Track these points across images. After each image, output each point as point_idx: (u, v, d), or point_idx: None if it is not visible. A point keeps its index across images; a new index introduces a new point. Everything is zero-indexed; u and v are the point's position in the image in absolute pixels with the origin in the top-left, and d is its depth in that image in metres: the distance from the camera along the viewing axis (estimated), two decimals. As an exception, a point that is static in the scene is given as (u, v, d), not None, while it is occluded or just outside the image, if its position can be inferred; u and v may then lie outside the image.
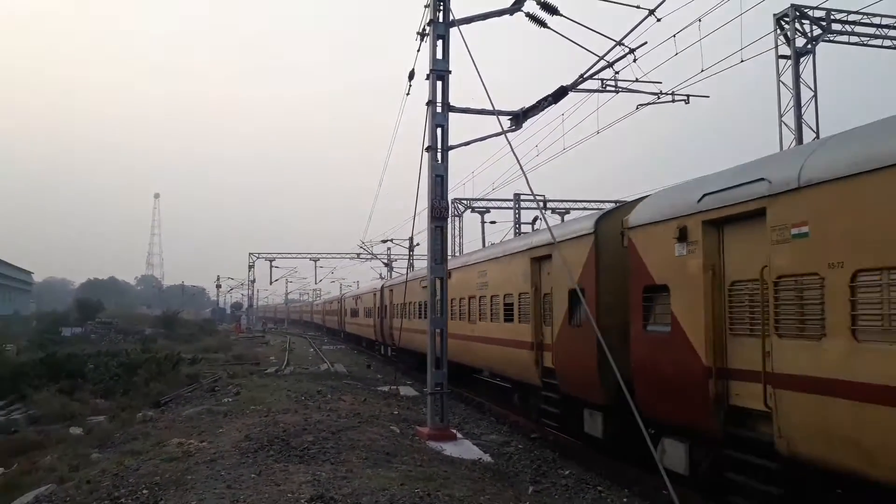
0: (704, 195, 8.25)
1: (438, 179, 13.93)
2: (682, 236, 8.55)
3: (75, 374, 21.82)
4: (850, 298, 6.08)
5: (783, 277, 6.96)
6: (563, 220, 35.30)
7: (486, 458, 11.52)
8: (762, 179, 7.30)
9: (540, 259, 13.65)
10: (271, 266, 74.71)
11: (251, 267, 74.64)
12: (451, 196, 21.68)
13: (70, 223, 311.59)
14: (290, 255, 75.21)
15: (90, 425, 16.41)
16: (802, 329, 6.69)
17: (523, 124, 14.94)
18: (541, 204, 35.62)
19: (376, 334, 36.17)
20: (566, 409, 12.52)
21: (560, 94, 14.89)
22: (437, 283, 14.00)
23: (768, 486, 7.21)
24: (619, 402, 9.42)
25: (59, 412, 17.79)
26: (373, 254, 60.52)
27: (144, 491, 8.34)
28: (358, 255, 66.83)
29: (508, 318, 15.23)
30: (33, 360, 23.48)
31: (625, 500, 9.54)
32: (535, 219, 35.63)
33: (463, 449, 12.03)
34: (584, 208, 40.08)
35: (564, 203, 41.75)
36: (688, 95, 20.42)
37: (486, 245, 32.99)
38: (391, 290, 31.79)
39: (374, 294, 36.90)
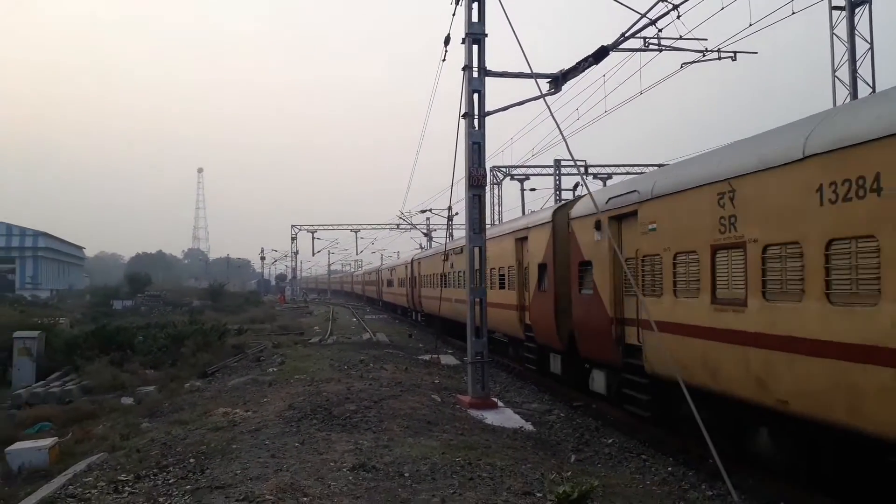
0: (609, 198, 11.76)
1: (475, 147, 13.68)
2: (598, 227, 11.94)
3: (125, 346, 22.46)
4: (673, 270, 9.61)
5: (646, 256, 10.52)
6: (604, 185, 34.63)
7: (528, 426, 11.45)
8: (635, 191, 10.87)
9: (522, 240, 16.73)
10: (313, 238, 75.49)
11: (294, 239, 75.62)
12: (489, 164, 21.66)
13: (119, 199, 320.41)
14: (331, 227, 75.83)
15: (140, 395, 16.88)
16: (654, 290, 10.22)
17: (563, 87, 14.53)
18: (582, 169, 34.92)
19: (408, 302, 40.68)
20: (540, 355, 16.02)
21: (601, 54, 14.36)
22: (476, 252, 13.85)
23: (642, 395, 10.70)
24: (570, 348, 13.67)
25: (110, 383, 18.34)
26: (412, 224, 60.62)
27: (191, 460, 8.50)
28: (398, 225, 67.03)
29: (502, 286, 18.51)
30: (85, 333, 24.23)
31: (669, 468, 9.36)
32: (577, 185, 35.04)
33: (504, 417, 11.98)
34: (627, 173, 39.15)
35: (606, 168, 40.87)
36: (735, 52, 19.42)
37: (527, 213, 33.02)
38: (419, 263, 35.60)
39: (406, 266, 40.94)
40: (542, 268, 15.01)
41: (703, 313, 8.78)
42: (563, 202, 16.05)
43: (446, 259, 26.19)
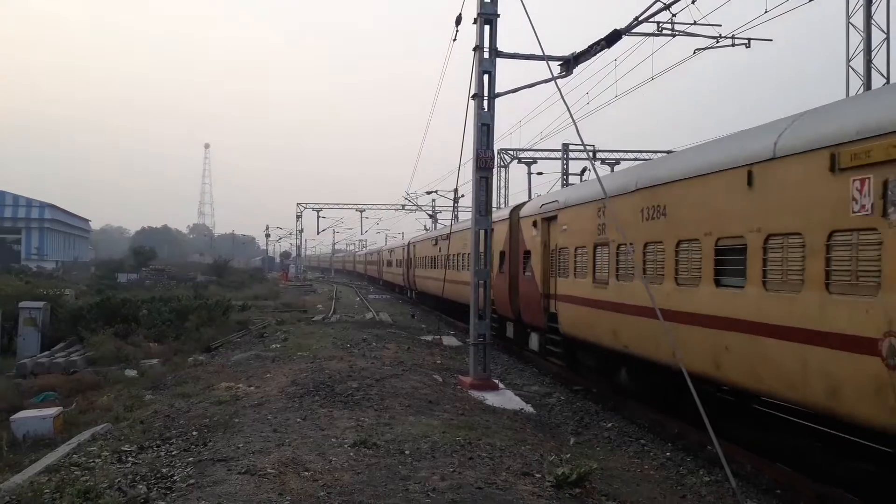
0: (542, 205, 16.01)
1: (484, 128, 13.62)
2: (535, 225, 16.06)
3: (129, 319, 22.58)
4: (574, 259, 13.53)
5: (561, 248, 14.51)
6: (612, 171, 34.48)
7: (528, 408, 11.51)
8: (556, 201, 15.07)
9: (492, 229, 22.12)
10: (318, 216, 75.69)
11: (299, 217, 75.69)
12: (497, 146, 22.14)
13: (125, 173, 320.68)
14: (336, 206, 75.96)
15: (143, 368, 17.01)
16: (561, 272, 14.42)
17: (574, 70, 14.40)
18: (590, 154, 34.81)
19: (404, 280, 45.21)
20: (500, 323, 19.43)
21: (613, 37, 14.19)
22: (482, 234, 13.85)
23: (559, 349, 14.67)
24: (518, 317, 17.76)
25: (114, 354, 18.49)
26: (417, 205, 60.54)
27: (194, 432, 8.58)
28: (403, 206, 66.95)
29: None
30: (90, 305, 24.36)
31: (668, 454, 9.41)
32: (584, 169, 34.88)
33: (505, 399, 12.05)
34: (635, 158, 38.96)
35: (615, 153, 40.68)
36: (749, 39, 19.20)
37: (534, 196, 33.30)
38: (414, 246, 40.19)
39: (403, 248, 45.54)
40: (502, 255, 18.73)
41: (588, 289, 12.81)
42: (517, 204, 19.76)
43: (436, 244, 30.86)
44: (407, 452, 7.55)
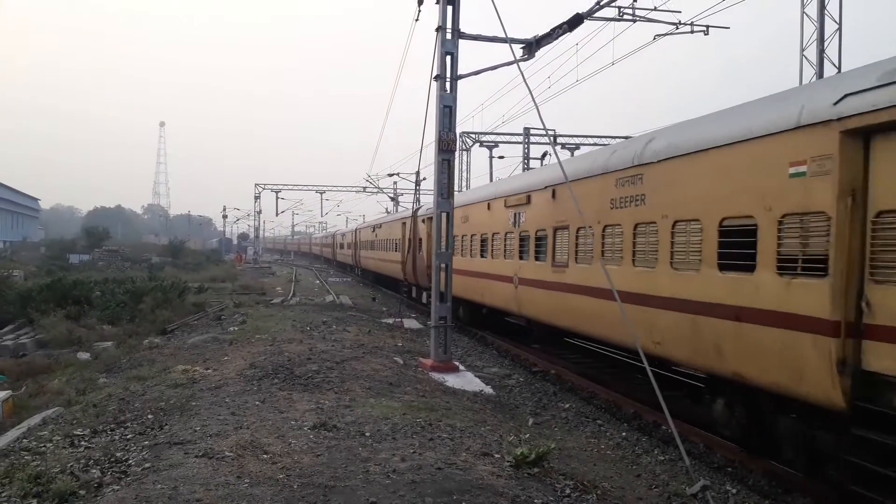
0: (427, 209, 22.90)
1: (446, 110, 13.56)
2: (423, 222, 23.84)
3: (82, 301, 21.98)
4: (461, 245, 19.29)
5: (468, 236, 19.10)
6: (573, 155, 34.76)
7: (488, 389, 11.62)
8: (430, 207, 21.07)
9: (403, 223, 29.25)
10: (277, 197, 74.40)
11: (257, 198, 74.38)
12: (459, 129, 22.43)
13: (76, 150, 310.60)
14: (296, 188, 74.67)
15: (97, 351, 16.60)
16: (461, 253, 19.43)
17: (536, 53, 14.41)
18: (551, 138, 34.96)
19: (352, 260, 53.16)
20: (409, 287, 28.45)
21: (575, 21, 14.25)
22: (444, 217, 13.83)
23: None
24: (418, 283, 25.45)
25: (65, 337, 17.99)
26: (379, 188, 60.15)
27: (150, 416, 8.43)
28: (364, 188, 66.39)
29: (396, 249, 31.19)
30: (40, 286, 23.62)
31: (623, 433, 9.62)
32: (545, 154, 35.08)
33: (465, 381, 12.14)
34: (595, 144, 39.34)
35: (575, 138, 40.98)
36: (707, 26, 19.57)
37: (494, 180, 34.14)
38: (359, 231, 49.17)
39: (354, 233, 53.32)
40: (410, 241, 26.95)
41: (457, 262, 16.52)
42: (419, 206, 28.44)
43: (373, 231, 39.71)
44: (367, 434, 7.55)
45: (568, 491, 6.51)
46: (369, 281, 45.10)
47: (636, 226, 10.05)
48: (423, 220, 24.33)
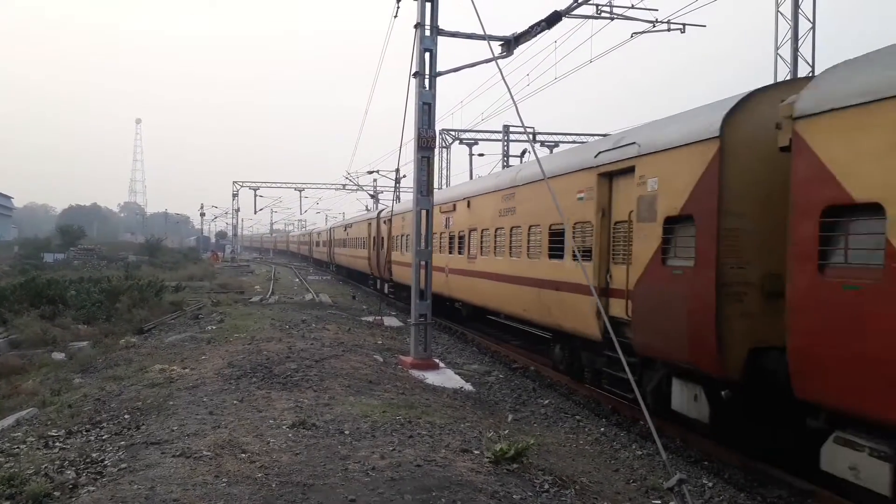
0: (393, 210, 27.95)
1: (425, 107, 13.55)
2: (385, 223, 28.69)
3: (56, 300, 21.64)
4: (400, 242, 25.27)
5: (395, 236, 26.30)
6: (551, 153, 34.94)
7: (468, 386, 11.65)
8: (392, 210, 28.10)
9: (370, 223, 33.55)
10: (255, 195, 73.89)
11: (235, 195, 73.79)
12: (438, 126, 22.66)
13: (51, 148, 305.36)
14: (274, 185, 74.19)
15: (72, 351, 16.36)
16: (396, 248, 26.49)
17: (515, 51, 14.45)
18: (530, 136, 35.20)
19: (328, 257, 56.57)
20: (374, 280, 32.80)
21: (554, 18, 14.31)
22: (423, 215, 13.82)
23: (394, 290, 28.24)
24: (388, 278, 28.30)
25: (39, 337, 17.68)
26: (358, 185, 59.95)
27: (126, 416, 8.33)
28: (343, 185, 66.15)
29: (364, 247, 35.28)
30: (13, 285, 23.21)
31: (602, 429, 9.71)
32: (524, 151, 35.19)
33: (445, 378, 12.16)
34: (574, 141, 39.55)
35: (554, 136, 41.16)
36: (683, 24, 19.79)
37: (474, 178, 35.15)
38: (332, 230, 53.81)
39: (329, 231, 57.27)
40: (374, 239, 31.29)
41: (402, 257, 22.21)
42: (383, 208, 33.40)
43: (345, 230, 44.63)
44: (347, 433, 7.53)
45: (546, 486, 6.55)
46: (343, 276, 48.42)
47: (511, 228, 14.36)
48: (385, 221, 28.96)
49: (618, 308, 9.91)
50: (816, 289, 6.49)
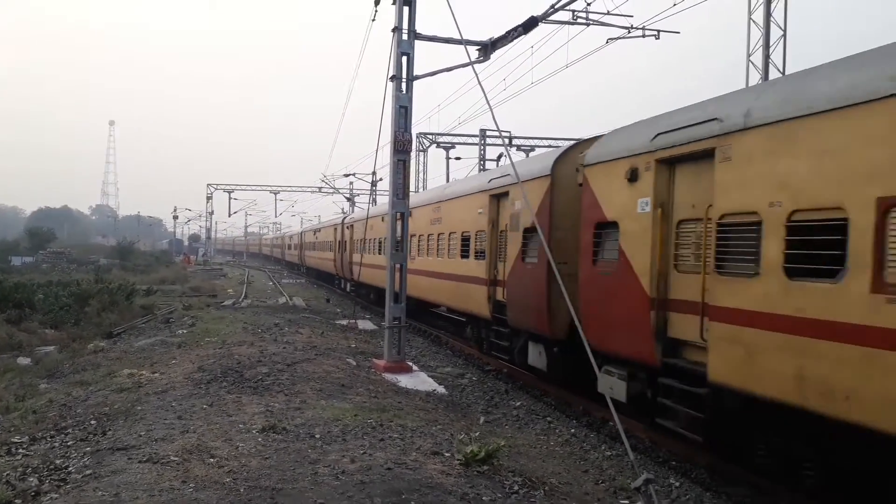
0: (345, 217, 36.77)
1: (402, 111, 13.56)
2: (349, 228, 32.09)
3: (23, 304, 21.21)
4: (363, 245, 27.45)
5: (359, 240, 27.97)
6: (528, 156, 35.13)
7: (441, 389, 11.67)
8: (354, 217, 33.47)
9: (337, 228, 36.01)
10: (230, 198, 73.19)
11: (209, 198, 72.96)
12: (415, 130, 22.79)
13: (21, 149, 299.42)
14: (249, 188, 73.58)
15: (38, 355, 16.05)
16: (359, 250, 27.26)
17: (491, 56, 14.52)
18: (506, 140, 35.39)
19: (299, 259, 59.42)
20: (333, 277, 39.37)
21: (530, 24, 14.40)
22: (398, 218, 13.82)
23: (359, 289, 29.67)
24: (351, 279, 29.77)
25: (5, 342, 17.33)
26: (334, 188, 59.68)
27: (92, 421, 8.21)
28: (319, 188, 65.79)
29: (330, 250, 38.33)
30: (-22, 289, 22.68)
31: (572, 430, 9.79)
32: (500, 155, 35.35)
33: (418, 381, 12.16)
34: (549, 145, 39.79)
35: (530, 140, 41.37)
36: (658, 31, 20.03)
37: (451, 181, 35.89)
38: (304, 234, 57.80)
39: (300, 235, 61.13)
40: (340, 242, 34.64)
41: (361, 258, 24.29)
42: (346, 215, 37.94)
43: (314, 234, 47.89)
44: (317, 436, 7.50)
45: (516, 487, 6.59)
46: (314, 278, 50.73)
47: (438, 235, 17.70)
48: (348, 227, 32.44)
49: (501, 294, 13.41)
50: (592, 274, 9.76)
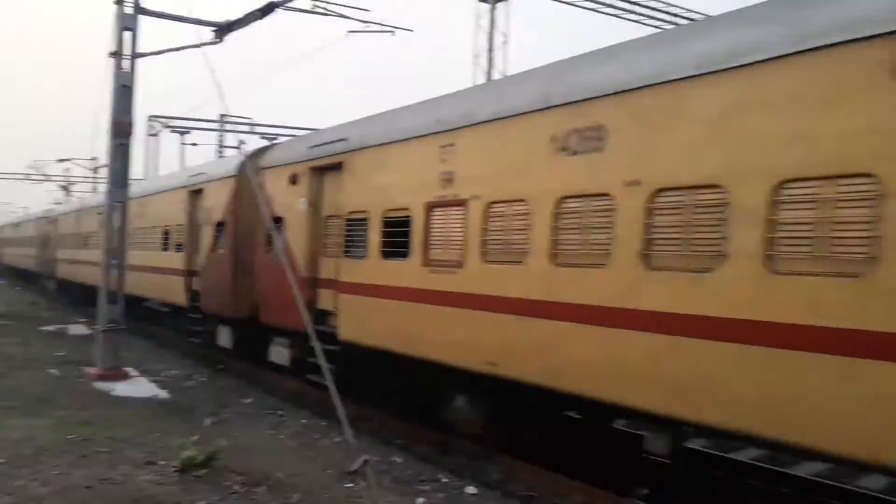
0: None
1: (124, 90, 12.34)
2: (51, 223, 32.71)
3: None
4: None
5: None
6: (270, 144, 34.31)
7: (163, 394, 10.96)
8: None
9: (38, 223, 37.46)
10: None
11: None
12: (146, 112, 20.75)
13: None
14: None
15: None
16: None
17: (228, 38, 13.79)
18: (246, 127, 34.55)
19: None
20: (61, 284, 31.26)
21: (268, 9, 13.93)
22: (118, 210, 12.59)
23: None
24: (55, 275, 31.12)
25: None
26: (45, 175, 52.33)
27: None
28: (28, 175, 57.09)
29: (33, 245, 38.13)
30: None
31: (303, 421, 9.82)
32: (241, 142, 33.89)
33: (136, 387, 11.29)
34: (291, 134, 39.12)
35: (274, 128, 40.13)
36: (394, 27, 20.90)
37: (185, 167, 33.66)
38: (4, 229, 55.86)
39: None
40: (43, 238, 34.81)
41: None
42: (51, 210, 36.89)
43: (15, 228, 48.75)
44: (3, 461, 6.61)
45: (236, 487, 6.47)
46: (13, 274, 47.42)
47: (144, 229, 17.99)
48: (51, 221, 32.77)
49: (197, 284, 14.65)
50: (265, 261, 11.65)
